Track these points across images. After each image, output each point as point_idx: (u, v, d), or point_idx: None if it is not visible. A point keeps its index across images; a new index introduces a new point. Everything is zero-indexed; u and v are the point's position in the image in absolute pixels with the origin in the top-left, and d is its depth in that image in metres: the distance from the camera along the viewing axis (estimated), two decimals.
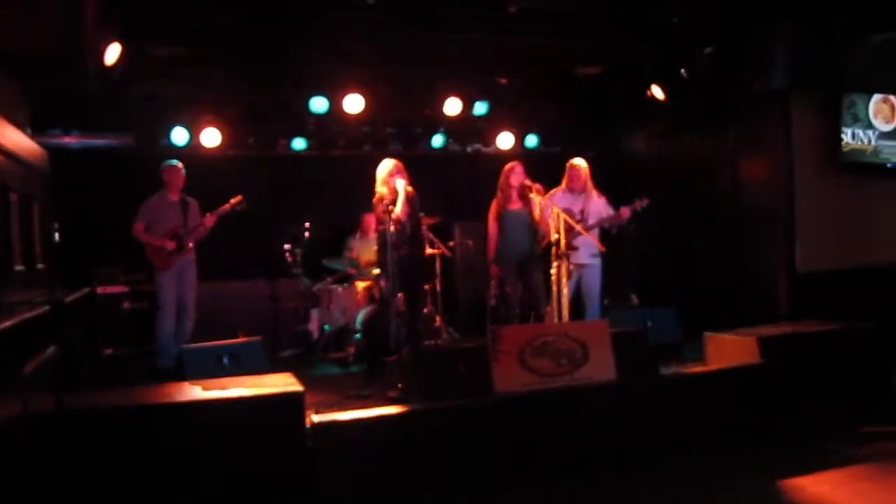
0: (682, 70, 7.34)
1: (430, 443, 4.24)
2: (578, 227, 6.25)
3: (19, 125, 3.90)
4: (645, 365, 4.97)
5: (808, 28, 6.56)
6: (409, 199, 5.94)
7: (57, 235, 7.17)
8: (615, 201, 6.83)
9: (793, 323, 5.97)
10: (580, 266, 6.61)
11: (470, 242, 8.03)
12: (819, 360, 5.22)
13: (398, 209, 5.82)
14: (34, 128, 5.88)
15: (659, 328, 6.18)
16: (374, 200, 6.01)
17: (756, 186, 7.27)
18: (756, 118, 7.22)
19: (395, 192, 5.87)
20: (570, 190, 6.80)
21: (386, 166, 6.07)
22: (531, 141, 9.15)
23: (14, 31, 3.53)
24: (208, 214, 6.79)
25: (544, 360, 4.66)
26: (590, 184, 6.83)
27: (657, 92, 7.62)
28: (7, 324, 2.70)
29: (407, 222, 5.93)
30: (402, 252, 5.83)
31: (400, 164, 6.08)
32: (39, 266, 3.81)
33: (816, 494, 3.85)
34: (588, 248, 6.54)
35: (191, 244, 6.72)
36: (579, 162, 6.89)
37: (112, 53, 5.78)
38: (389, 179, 5.97)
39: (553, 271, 6.08)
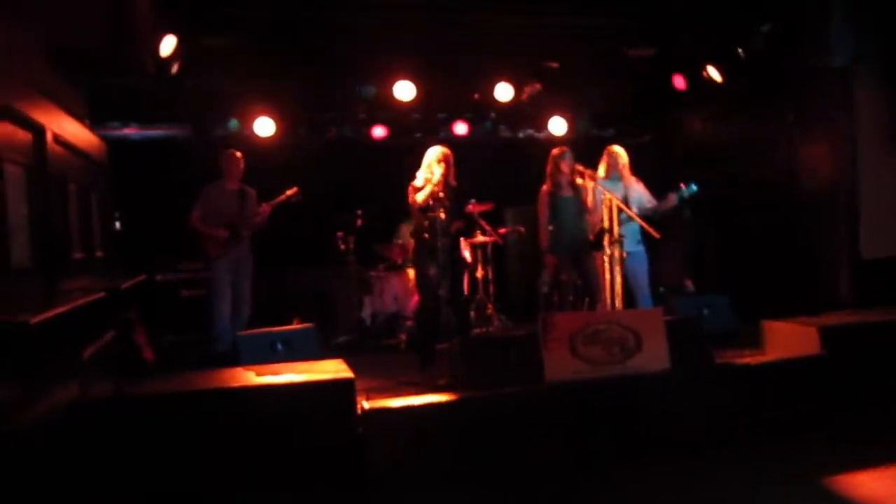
0: (739, 49, 7.11)
1: (480, 431, 4.24)
2: (631, 213, 6.13)
3: (78, 117, 4.00)
4: (700, 354, 4.86)
5: (868, 2, 6.30)
6: (447, 188, 5.90)
7: (118, 224, 7.38)
8: (670, 185, 6.68)
9: (856, 312, 5.76)
10: (623, 254, 6.47)
11: (522, 229, 7.97)
12: (883, 351, 5.03)
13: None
14: (93, 120, 6.04)
15: (715, 316, 6.05)
16: (414, 185, 5.98)
17: (817, 168, 7.00)
18: (816, 96, 6.93)
19: (440, 178, 5.84)
20: (609, 177, 6.64)
21: (433, 152, 6.03)
22: (583, 125, 9.00)
23: (68, 27, 3.61)
24: (264, 204, 6.86)
25: (596, 348, 4.59)
26: (628, 170, 6.67)
27: (713, 73, 7.41)
28: (63, 309, 2.77)
29: (446, 210, 5.89)
30: (447, 240, 5.81)
31: (448, 152, 6.05)
32: (98, 254, 3.92)
33: (877, 490, 3.71)
34: (632, 235, 6.40)
35: (246, 233, 6.80)
36: (618, 149, 6.72)
37: (167, 45, 5.91)
38: (437, 166, 5.94)
39: (606, 258, 5.99)
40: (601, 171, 6.66)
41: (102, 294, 3.47)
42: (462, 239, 7.17)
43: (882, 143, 6.65)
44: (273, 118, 7.94)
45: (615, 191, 6.45)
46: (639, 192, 6.63)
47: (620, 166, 6.62)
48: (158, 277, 7.50)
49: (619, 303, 5.98)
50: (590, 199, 6.42)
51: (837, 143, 6.74)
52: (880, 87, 6.65)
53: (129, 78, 6.04)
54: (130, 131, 7.91)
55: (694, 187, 6.32)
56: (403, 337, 7.21)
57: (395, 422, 4.15)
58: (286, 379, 4.03)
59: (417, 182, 6.00)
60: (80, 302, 3.14)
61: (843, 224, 6.67)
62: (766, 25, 6.77)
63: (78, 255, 3.33)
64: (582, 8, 6.67)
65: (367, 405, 4.14)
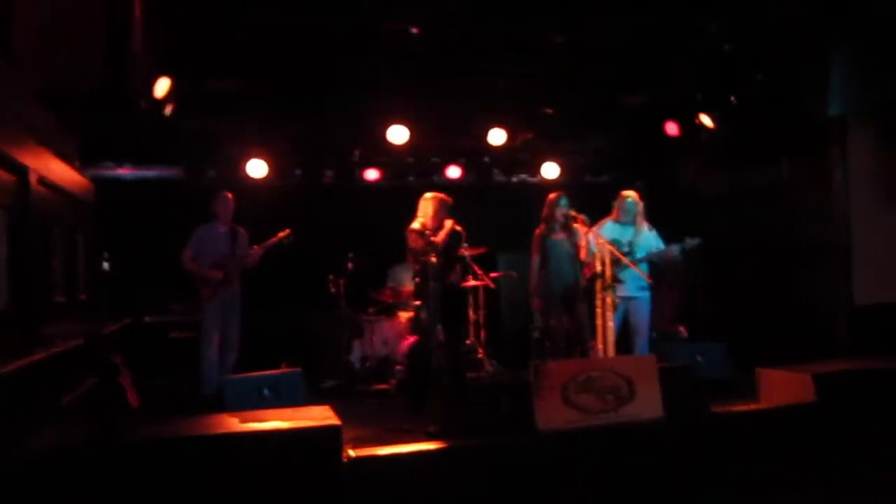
0: (732, 97, 7.17)
1: (470, 481, 4.14)
2: (624, 260, 6.12)
3: (67, 158, 3.98)
4: (694, 402, 4.79)
5: (866, 53, 6.36)
6: (451, 232, 5.91)
7: (107, 265, 7.32)
8: (664, 232, 6.69)
9: (851, 360, 5.70)
10: (627, 299, 6.46)
11: (514, 274, 7.93)
12: (879, 400, 4.96)
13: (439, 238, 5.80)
14: (86, 160, 6.02)
15: (709, 363, 5.97)
16: (411, 229, 5.97)
17: (811, 218, 7.00)
18: (811, 147, 6.98)
19: (437, 224, 5.84)
20: (620, 221, 6.66)
21: (430, 198, 6.05)
22: (576, 171, 9.04)
23: (61, 68, 3.60)
24: (255, 247, 6.86)
25: (589, 396, 4.52)
26: (640, 216, 6.69)
27: (705, 120, 7.46)
28: (39, 356, 2.70)
29: (447, 252, 5.88)
30: (444, 283, 5.78)
31: (444, 197, 6.06)
32: (83, 297, 3.86)
33: None
34: (636, 281, 6.40)
35: (237, 275, 6.77)
36: (630, 193, 6.76)
37: (161, 87, 5.93)
38: (434, 212, 5.96)
39: (598, 304, 5.95)
40: (613, 214, 6.71)
41: (83, 339, 3.40)
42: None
43: (878, 195, 6.70)
44: (266, 160, 7.95)
45: (624, 235, 6.47)
46: (649, 239, 6.63)
47: (633, 211, 6.63)
48: (147, 319, 7.42)
49: (611, 349, 5.92)
50: (583, 244, 6.41)
51: (832, 194, 6.76)
52: (876, 139, 6.72)
53: (123, 119, 6.04)
54: (123, 171, 7.91)
55: (696, 240, 6.35)
56: (393, 382, 7.11)
57: (382, 470, 4.06)
58: (271, 426, 3.94)
59: (415, 225, 6.00)
60: (60, 347, 3.07)
61: (837, 273, 6.66)
62: (760, 74, 6.83)
63: (60, 299, 3.28)
64: (578, 58, 6.72)
65: (353, 453, 4.04)
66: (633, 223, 6.63)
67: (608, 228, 6.58)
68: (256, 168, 7.92)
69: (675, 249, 6.40)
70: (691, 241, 6.37)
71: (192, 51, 6.09)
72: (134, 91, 4.82)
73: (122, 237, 7.44)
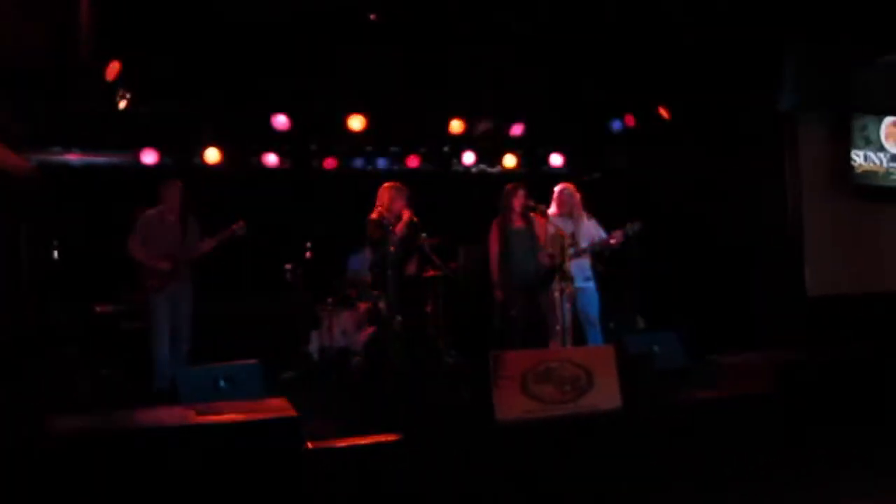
0: (690, 91, 7.24)
1: (429, 471, 4.11)
2: (575, 250, 6.16)
3: (11, 143, 3.83)
4: (653, 391, 4.83)
5: (816, 48, 6.48)
6: (409, 222, 5.88)
7: (56, 253, 7.11)
8: (622, 222, 6.72)
9: (803, 349, 5.82)
10: (574, 290, 6.47)
11: (468, 263, 7.92)
12: (831, 388, 5.07)
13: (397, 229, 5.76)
14: (35, 145, 5.84)
15: (666, 352, 6.02)
16: (370, 217, 5.92)
17: (765, 208, 7.14)
18: (764, 139, 7.10)
19: (396, 214, 5.81)
20: (560, 213, 6.65)
21: (388, 188, 6.01)
22: (534, 162, 9.06)
23: (3, 46, 3.46)
24: (207, 239, 6.57)
25: (548, 386, 4.52)
26: (579, 207, 6.70)
27: (662, 112, 7.53)
28: None
29: (405, 243, 5.86)
30: (402, 273, 5.75)
31: (402, 187, 6.02)
32: (25, 288, 3.72)
33: None
34: (581, 272, 6.42)
35: (187, 267, 6.53)
36: (568, 185, 6.79)
37: (111, 71, 5.76)
38: (392, 202, 5.92)
39: (557, 294, 5.96)
40: (552, 207, 6.67)
41: (29, 328, 3.28)
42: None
43: (828, 187, 6.85)
44: (219, 147, 7.78)
45: (565, 227, 6.45)
46: (590, 229, 6.64)
47: (571, 203, 6.64)
48: (98, 309, 7.20)
49: (569, 340, 5.95)
50: (542, 234, 6.42)
51: (784, 185, 6.89)
52: (827, 132, 6.86)
53: (73, 102, 5.86)
54: (72, 157, 7.66)
55: (637, 225, 6.37)
56: (352, 373, 7.04)
57: (340, 462, 4.01)
58: (227, 418, 3.86)
59: (373, 215, 5.94)
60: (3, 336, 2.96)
61: (790, 264, 6.79)
62: (717, 68, 6.90)
63: (2, 287, 3.15)
64: (535, 45, 6.71)
65: (311, 445, 3.98)
66: (572, 214, 6.64)
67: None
68: (210, 155, 7.74)
69: (620, 235, 6.41)
70: (632, 227, 6.38)
71: (142, 32, 5.91)
72: (81, 71, 4.67)
73: (72, 225, 7.22)
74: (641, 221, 6.38)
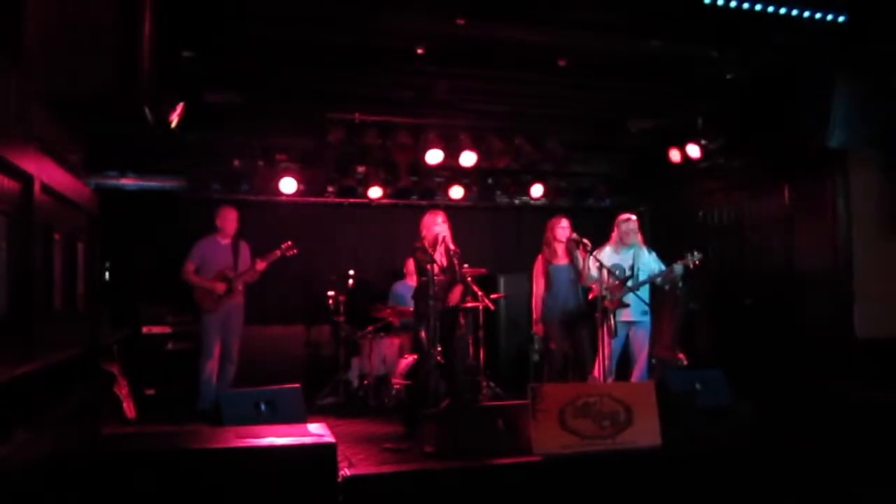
0: (736, 126, 7.19)
1: (464, 502, 4.10)
2: (623, 285, 6.14)
3: (70, 167, 3.97)
4: (693, 430, 4.76)
5: (867, 84, 6.37)
6: (447, 252, 5.92)
7: (107, 275, 7.30)
8: (665, 259, 6.67)
9: (852, 391, 5.67)
10: (630, 324, 6.44)
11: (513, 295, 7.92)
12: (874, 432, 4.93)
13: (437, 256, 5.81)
14: (90, 169, 6.00)
15: (708, 391, 5.94)
16: (414, 247, 5.98)
17: (812, 247, 6.99)
18: (813, 177, 6.98)
19: (438, 243, 5.85)
20: (620, 245, 6.64)
21: (431, 217, 6.06)
22: (578, 195, 9.02)
23: (70, 74, 3.60)
24: (258, 259, 6.88)
25: (586, 421, 4.50)
26: (640, 239, 6.69)
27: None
28: (38, 364, 2.69)
29: (446, 274, 5.88)
30: (444, 303, 5.77)
31: (444, 216, 6.07)
32: (82, 305, 3.84)
33: None
34: (639, 305, 6.38)
35: (240, 288, 6.80)
36: (628, 216, 6.76)
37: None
38: (433, 231, 5.97)
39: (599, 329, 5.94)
40: (613, 238, 6.68)
41: (81, 347, 3.38)
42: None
43: (881, 226, 6.69)
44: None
45: (625, 259, 6.46)
46: (648, 261, 6.61)
47: (631, 234, 6.62)
48: (145, 330, 7.38)
49: (612, 375, 5.89)
50: (584, 268, 6.40)
51: (833, 224, 6.74)
52: (879, 169, 6.72)
53: (129, 129, 6.02)
54: (127, 181, 7.88)
55: (698, 255, 6.32)
56: (391, 401, 7.06)
57: (376, 490, 4.03)
58: (267, 442, 3.91)
59: (417, 245, 6.00)
60: (58, 354, 3.06)
61: (837, 304, 6.63)
62: (763, 104, 6.84)
63: (59, 306, 3.26)
64: (583, 80, 6.72)
65: (348, 472, 4.01)
66: (633, 246, 6.62)
67: (608, 253, 6.57)
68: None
69: (677, 269, 6.38)
70: (693, 257, 6.33)
71: (200, 64, 6.09)
72: (144, 99, 4.81)
73: (123, 247, 7.42)
74: (702, 252, 6.34)
